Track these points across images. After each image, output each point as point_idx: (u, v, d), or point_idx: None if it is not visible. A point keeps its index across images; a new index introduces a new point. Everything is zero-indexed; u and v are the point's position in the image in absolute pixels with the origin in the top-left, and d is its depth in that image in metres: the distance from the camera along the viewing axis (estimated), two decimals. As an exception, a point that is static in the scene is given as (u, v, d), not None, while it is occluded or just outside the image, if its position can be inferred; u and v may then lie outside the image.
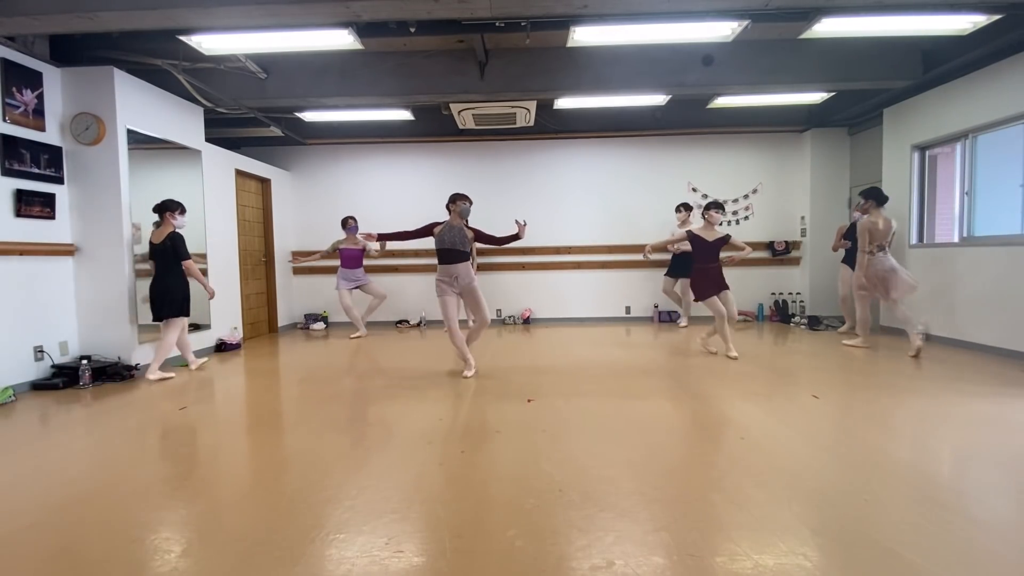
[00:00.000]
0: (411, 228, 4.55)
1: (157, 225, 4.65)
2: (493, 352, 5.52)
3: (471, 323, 4.63)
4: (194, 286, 4.79)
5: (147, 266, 4.75)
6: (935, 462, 2.50)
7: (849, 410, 3.29)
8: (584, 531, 1.89)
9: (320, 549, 1.80)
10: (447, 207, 4.46)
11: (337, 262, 6.85)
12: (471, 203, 4.49)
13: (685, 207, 7.02)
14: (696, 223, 6.90)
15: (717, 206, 5.10)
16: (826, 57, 5.33)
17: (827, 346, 5.56)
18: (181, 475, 2.47)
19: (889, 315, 6.37)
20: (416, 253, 7.76)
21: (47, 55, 4.40)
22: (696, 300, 5.12)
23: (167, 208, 4.60)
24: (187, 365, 4.98)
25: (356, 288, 6.80)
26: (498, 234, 4.67)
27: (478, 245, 7.43)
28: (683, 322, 7.29)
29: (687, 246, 6.93)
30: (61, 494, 2.28)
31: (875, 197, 5.15)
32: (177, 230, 4.64)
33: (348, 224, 6.77)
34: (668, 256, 7.22)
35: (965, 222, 5.41)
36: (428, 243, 7.57)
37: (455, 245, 4.38)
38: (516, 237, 4.54)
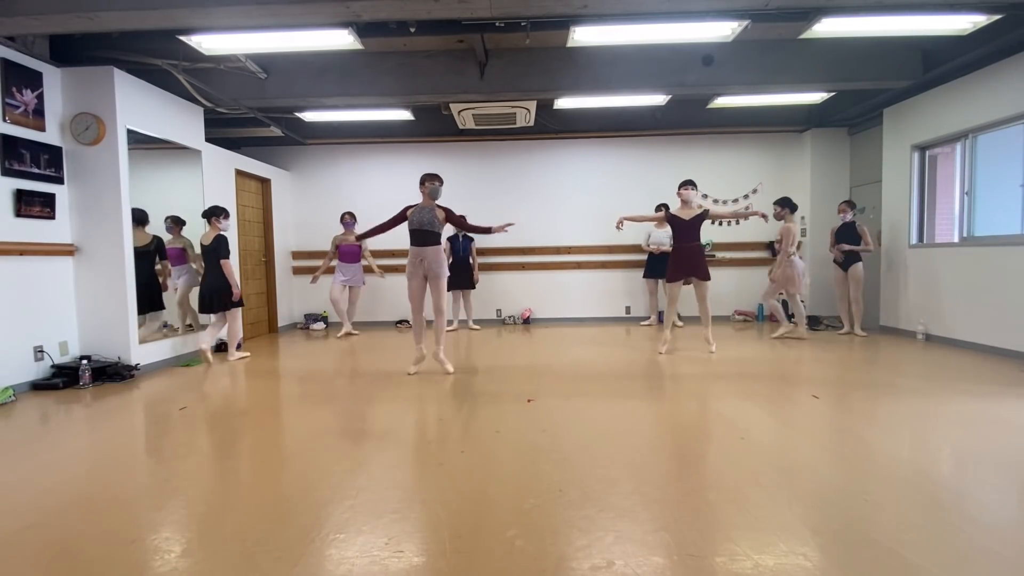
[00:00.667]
0: (387, 220, 4.45)
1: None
2: (493, 352, 5.52)
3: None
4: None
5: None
6: (935, 462, 2.50)
7: (849, 410, 3.29)
8: (584, 531, 1.89)
9: (320, 549, 1.80)
10: (420, 189, 4.43)
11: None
12: (441, 183, 4.46)
13: (665, 208, 7.00)
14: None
15: (688, 183, 5.03)
16: (826, 57, 5.33)
17: (827, 346, 5.56)
18: (181, 475, 2.47)
19: (888, 315, 6.37)
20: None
21: (47, 55, 4.40)
22: (667, 280, 5.12)
23: (214, 214, 5.20)
24: (200, 363, 5.07)
25: (346, 285, 6.89)
26: (476, 224, 4.58)
27: (478, 244, 7.49)
28: (679, 323, 7.29)
29: (667, 246, 6.98)
30: (61, 494, 2.28)
31: (789, 205, 5.79)
32: (222, 232, 5.21)
33: (345, 220, 6.91)
34: (644, 256, 7.30)
35: (965, 222, 5.41)
36: (428, 243, 7.59)
37: (423, 225, 4.33)
38: (487, 230, 4.48)
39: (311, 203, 7.86)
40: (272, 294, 7.40)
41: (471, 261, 7.12)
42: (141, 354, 4.74)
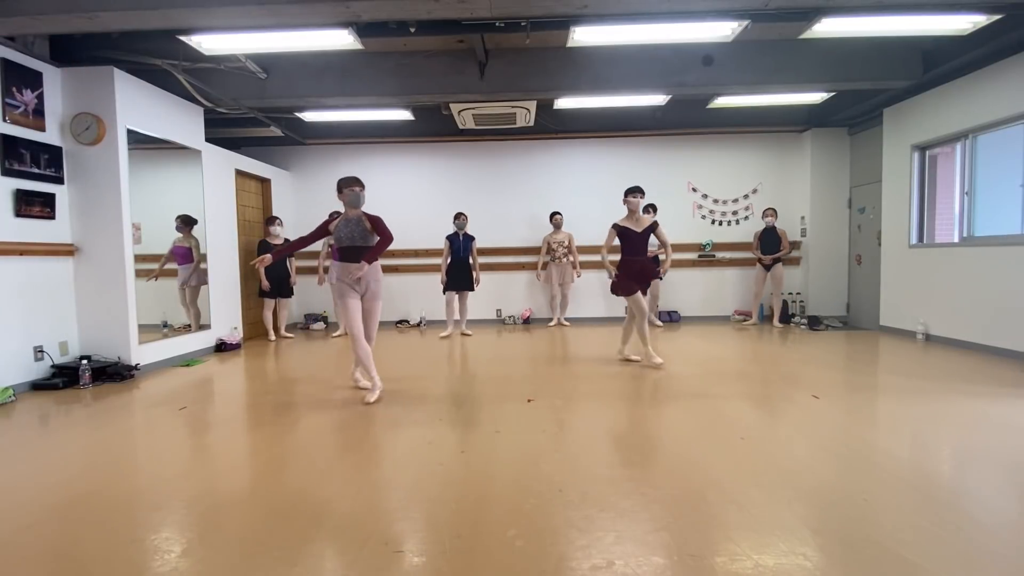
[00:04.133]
0: (308, 234, 3.79)
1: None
2: (494, 352, 5.52)
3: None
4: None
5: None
6: (935, 462, 2.50)
7: (849, 410, 3.29)
8: (584, 531, 1.89)
9: (320, 549, 1.80)
10: (339, 197, 3.75)
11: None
12: (362, 187, 3.76)
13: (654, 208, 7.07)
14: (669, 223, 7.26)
15: (636, 191, 4.61)
16: (826, 57, 5.33)
17: (827, 346, 5.56)
18: (181, 475, 2.47)
19: (888, 315, 6.37)
20: (416, 253, 7.76)
21: (47, 55, 4.39)
22: (618, 295, 4.67)
23: (274, 221, 6.64)
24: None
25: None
26: (385, 235, 3.78)
27: (478, 244, 7.46)
28: (658, 323, 7.32)
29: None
30: (61, 494, 2.28)
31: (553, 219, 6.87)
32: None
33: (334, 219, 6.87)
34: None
35: (965, 222, 5.41)
36: (428, 242, 7.62)
37: (355, 241, 3.72)
38: (382, 246, 3.75)
39: (311, 203, 7.86)
40: (272, 294, 7.39)
41: (471, 261, 6.83)
42: (141, 354, 4.74)
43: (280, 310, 6.83)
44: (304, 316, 7.87)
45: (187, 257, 5.52)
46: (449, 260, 6.72)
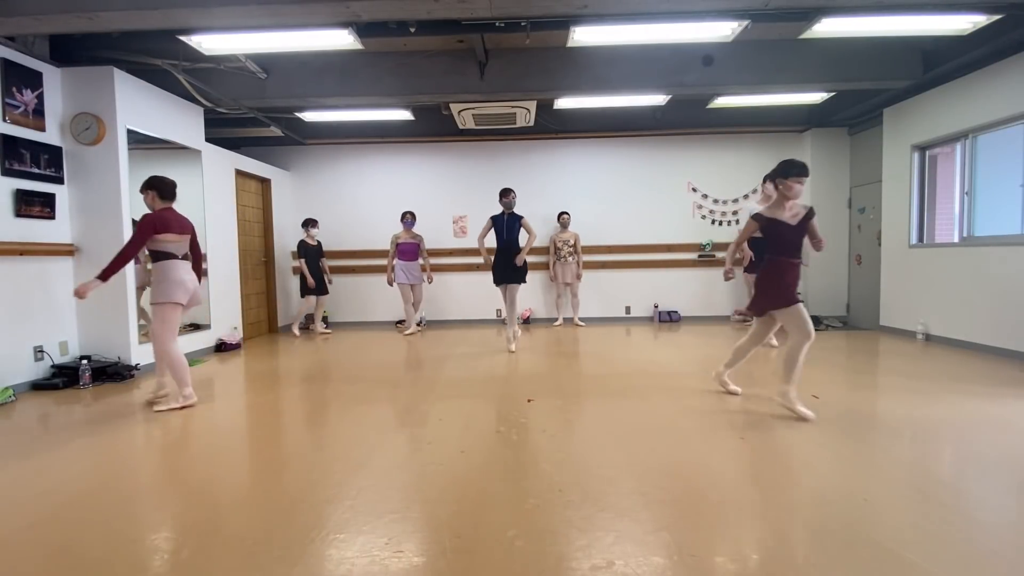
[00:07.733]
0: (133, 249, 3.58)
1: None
2: (493, 352, 5.52)
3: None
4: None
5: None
6: (935, 462, 2.50)
7: (849, 410, 3.29)
8: (584, 531, 1.89)
9: (320, 549, 1.80)
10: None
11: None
12: (161, 190, 3.63)
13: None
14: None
15: (800, 171, 3.11)
16: (826, 57, 5.33)
17: (827, 346, 5.55)
18: (181, 475, 2.47)
19: (888, 315, 6.37)
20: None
21: (47, 55, 4.39)
22: (753, 312, 3.39)
23: (311, 224, 6.98)
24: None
25: (411, 283, 6.91)
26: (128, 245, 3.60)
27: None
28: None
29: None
30: (61, 494, 2.28)
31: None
32: (317, 239, 7.05)
33: (405, 218, 6.91)
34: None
35: (965, 222, 5.41)
36: (428, 242, 7.62)
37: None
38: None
39: (311, 203, 7.86)
40: (272, 294, 7.39)
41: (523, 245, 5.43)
42: (141, 354, 4.74)
43: (318, 307, 7.19)
44: (304, 316, 7.85)
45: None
46: (495, 245, 5.52)
